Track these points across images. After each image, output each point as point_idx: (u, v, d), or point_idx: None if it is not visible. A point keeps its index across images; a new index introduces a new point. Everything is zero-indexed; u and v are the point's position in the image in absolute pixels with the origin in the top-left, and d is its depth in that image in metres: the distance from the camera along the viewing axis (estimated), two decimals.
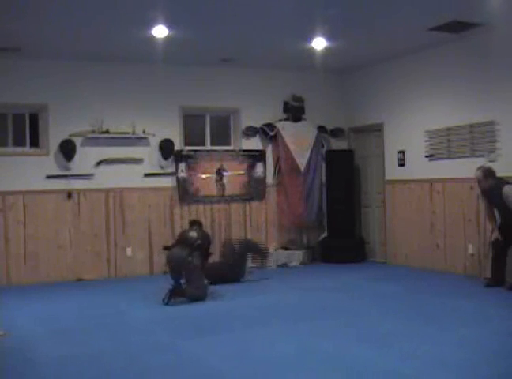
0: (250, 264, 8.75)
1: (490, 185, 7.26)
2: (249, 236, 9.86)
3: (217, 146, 9.98)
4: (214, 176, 9.74)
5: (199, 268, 7.09)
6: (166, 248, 7.62)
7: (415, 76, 9.18)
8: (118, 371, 4.57)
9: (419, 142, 9.05)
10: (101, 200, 9.07)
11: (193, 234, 7.37)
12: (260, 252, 8.79)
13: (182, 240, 7.37)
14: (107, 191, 9.09)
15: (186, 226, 8.55)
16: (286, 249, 10.06)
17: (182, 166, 9.52)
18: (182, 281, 7.02)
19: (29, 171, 8.67)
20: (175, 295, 6.89)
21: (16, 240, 8.60)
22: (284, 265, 9.78)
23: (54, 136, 8.81)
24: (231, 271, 8.24)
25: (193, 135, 9.91)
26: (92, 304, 7.16)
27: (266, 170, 10.11)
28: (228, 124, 10.16)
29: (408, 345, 4.99)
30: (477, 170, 7.37)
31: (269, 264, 8.79)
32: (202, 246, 7.24)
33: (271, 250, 9.13)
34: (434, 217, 8.87)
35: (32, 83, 8.69)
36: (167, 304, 6.79)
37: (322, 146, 10.49)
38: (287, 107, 10.22)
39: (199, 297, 6.99)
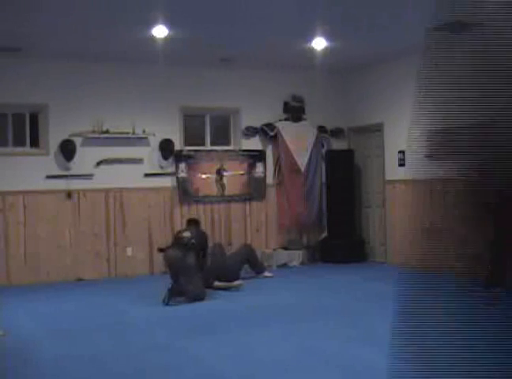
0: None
1: None
2: (249, 236, 9.87)
3: (217, 146, 9.97)
4: (214, 176, 9.74)
5: (195, 267, 7.09)
6: (161, 250, 7.65)
7: (415, 76, 9.15)
8: (117, 371, 4.57)
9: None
10: (101, 200, 9.07)
11: (187, 234, 7.41)
12: (257, 266, 8.80)
13: (177, 241, 7.44)
14: (107, 191, 9.09)
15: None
16: (286, 249, 10.05)
17: (182, 166, 9.52)
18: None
19: (29, 171, 8.67)
20: (174, 295, 6.89)
21: (16, 240, 8.60)
22: (284, 265, 9.78)
23: (54, 137, 8.82)
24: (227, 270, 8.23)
25: (193, 135, 9.91)
26: (91, 304, 7.16)
27: (266, 170, 10.11)
28: (228, 124, 10.16)
29: None
30: None
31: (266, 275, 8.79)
32: (197, 246, 7.23)
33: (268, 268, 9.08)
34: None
35: (32, 83, 8.69)
36: (167, 304, 6.79)
37: (322, 146, 10.49)
38: (287, 107, 10.22)
39: (198, 296, 6.99)
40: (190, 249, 7.13)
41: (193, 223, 7.94)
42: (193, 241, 7.23)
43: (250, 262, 8.70)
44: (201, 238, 7.49)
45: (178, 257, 7.12)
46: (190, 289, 6.96)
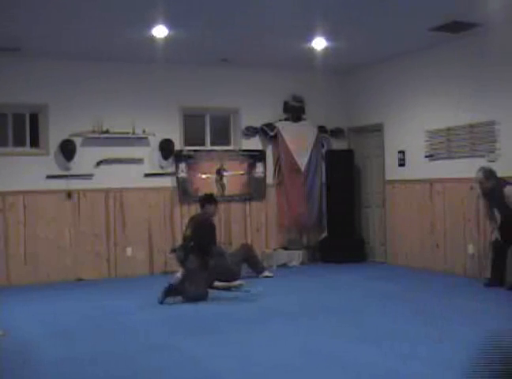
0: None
1: (491, 185, 7.25)
2: (249, 236, 9.87)
3: (217, 146, 9.97)
4: (214, 176, 9.74)
5: (196, 269, 7.09)
6: (172, 251, 7.74)
7: (415, 76, 9.18)
8: (116, 372, 4.56)
9: (419, 142, 9.05)
10: (101, 200, 9.07)
11: (189, 232, 7.40)
12: (256, 265, 8.80)
13: (183, 239, 7.55)
14: (107, 191, 9.09)
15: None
16: (286, 249, 10.05)
17: (182, 166, 9.52)
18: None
19: (29, 171, 8.67)
20: (172, 294, 6.90)
21: (16, 240, 8.60)
22: (284, 265, 9.77)
23: (54, 137, 8.82)
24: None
25: (193, 135, 9.91)
26: (91, 304, 7.15)
27: (266, 170, 10.11)
28: (228, 124, 10.16)
29: (408, 345, 4.99)
30: (478, 172, 7.36)
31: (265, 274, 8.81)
32: (195, 248, 7.22)
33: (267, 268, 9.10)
34: (434, 217, 8.87)
35: (32, 83, 8.68)
36: (161, 303, 6.80)
37: (322, 146, 10.49)
38: (287, 107, 10.22)
39: (200, 296, 6.99)
40: (189, 252, 7.17)
41: (201, 205, 7.77)
42: (191, 244, 7.24)
43: (249, 262, 8.71)
44: (201, 234, 7.35)
45: (181, 260, 7.27)
46: (191, 289, 6.97)
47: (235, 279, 7.85)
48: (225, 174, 9.80)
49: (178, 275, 7.23)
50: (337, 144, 10.63)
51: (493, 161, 7.76)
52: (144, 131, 9.22)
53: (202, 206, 7.65)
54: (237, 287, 7.69)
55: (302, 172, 10.24)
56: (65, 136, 8.83)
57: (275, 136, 10.12)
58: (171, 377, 4.45)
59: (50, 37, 7.71)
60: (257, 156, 10.04)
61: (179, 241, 8.23)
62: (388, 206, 9.81)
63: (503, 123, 7.73)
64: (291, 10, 6.78)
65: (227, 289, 7.63)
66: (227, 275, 7.93)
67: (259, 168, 10.06)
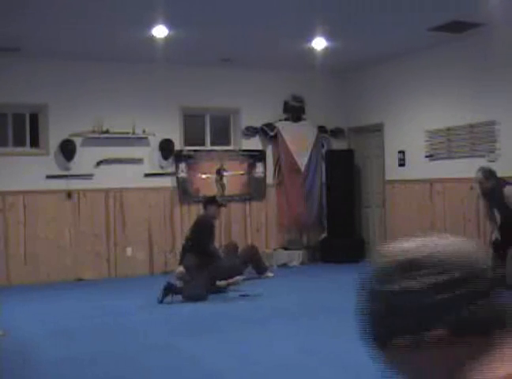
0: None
1: (491, 185, 7.25)
2: (249, 236, 9.87)
3: (217, 146, 9.97)
4: (214, 176, 9.74)
5: (195, 268, 7.14)
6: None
7: (415, 76, 9.18)
8: (116, 372, 4.56)
9: (419, 142, 9.05)
10: (101, 200, 9.07)
11: (188, 234, 7.50)
12: (259, 265, 8.77)
13: (185, 239, 7.69)
14: (107, 191, 9.09)
15: (187, 226, 8.59)
16: (286, 249, 10.05)
17: (182, 166, 9.52)
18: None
19: (29, 171, 8.67)
20: (171, 293, 6.90)
21: (16, 240, 8.60)
22: (284, 265, 9.77)
23: (54, 136, 8.81)
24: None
25: (193, 135, 9.91)
26: (91, 304, 7.16)
27: (266, 170, 10.10)
28: (228, 124, 10.16)
29: None
30: (478, 172, 7.35)
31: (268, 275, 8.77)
32: (193, 248, 7.29)
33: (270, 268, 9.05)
34: (434, 217, 8.87)
35: (32, 83, 8.68)
36: (161, 302, 6.81)
37: (322, 146, 10.49)
38: (287, 107, 10.22)
39: (198, 296, 6.99)
40: (187, 251, 7.24)
41: (203, 207, 7.82)
42: (189, 243, 7.32)
43: (254, 263, 8.67)
44: (199, 234, 7.42)
45: (182, 259, 7.36)
46: (190, 288, 6.98)
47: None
48: (225, 174, 9.80)
49: (177, 272, 7.27)
50: (337, 144, 10.63)
51: (493, 161, 7.76)
52: (144, 131, 9.22)
53: (204, 207, 7.76)
54: (235, 284, 7.66)
55: (302, 172, 10.24)
56: (65, 136, 8.83)
57: (275, 137, 10.12)
58: (171, 376, 4.46)
59: (51, 37, 7.71)
60: (257, 156, 10.04)
61: (179, 241, 8.25)
62: (388, 206, 9.81)
63: (503, 123, 7.73)
64: (291, 10, 6.78)
65: (226, 288, 7.63)
66: (227, 275, 7.93)
67: (259, 168, 10.05)
